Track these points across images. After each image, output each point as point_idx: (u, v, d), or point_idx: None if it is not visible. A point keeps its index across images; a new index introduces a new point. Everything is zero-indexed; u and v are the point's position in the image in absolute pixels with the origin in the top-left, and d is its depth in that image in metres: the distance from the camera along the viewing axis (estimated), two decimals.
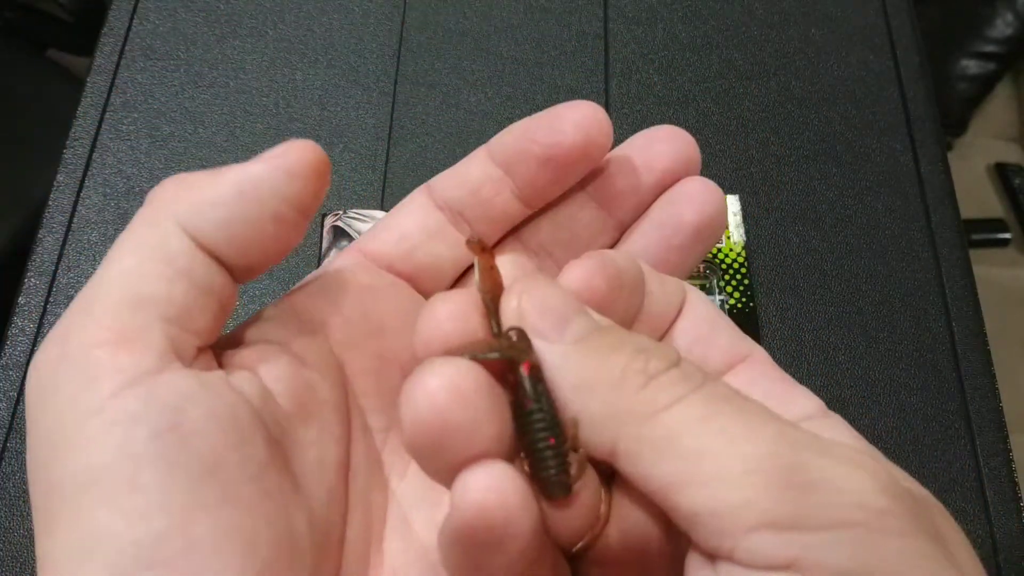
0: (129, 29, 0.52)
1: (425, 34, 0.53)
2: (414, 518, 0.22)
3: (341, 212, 0.46)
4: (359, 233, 0.45)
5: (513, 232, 0.25)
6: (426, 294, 0.24)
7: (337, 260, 0.24)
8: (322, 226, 0.46)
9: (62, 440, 0.17)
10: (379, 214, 0.46)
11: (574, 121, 0.22)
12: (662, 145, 0.24)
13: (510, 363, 0.18)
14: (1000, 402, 0.43)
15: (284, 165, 0.19)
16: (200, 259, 0.19)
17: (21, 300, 0.45)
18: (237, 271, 0.20)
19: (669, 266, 0.24)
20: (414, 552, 0.22)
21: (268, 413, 0.19)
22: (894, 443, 0.42)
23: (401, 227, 0.24)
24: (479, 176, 0.24)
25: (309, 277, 0.24)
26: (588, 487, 0.18)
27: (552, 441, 0.17)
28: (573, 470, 0.18)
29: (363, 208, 0.46)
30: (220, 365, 0.20)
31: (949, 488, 0.41)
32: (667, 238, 0.24)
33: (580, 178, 0.24)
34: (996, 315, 0.55)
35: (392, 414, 0.23)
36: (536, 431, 0.18)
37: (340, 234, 0.45)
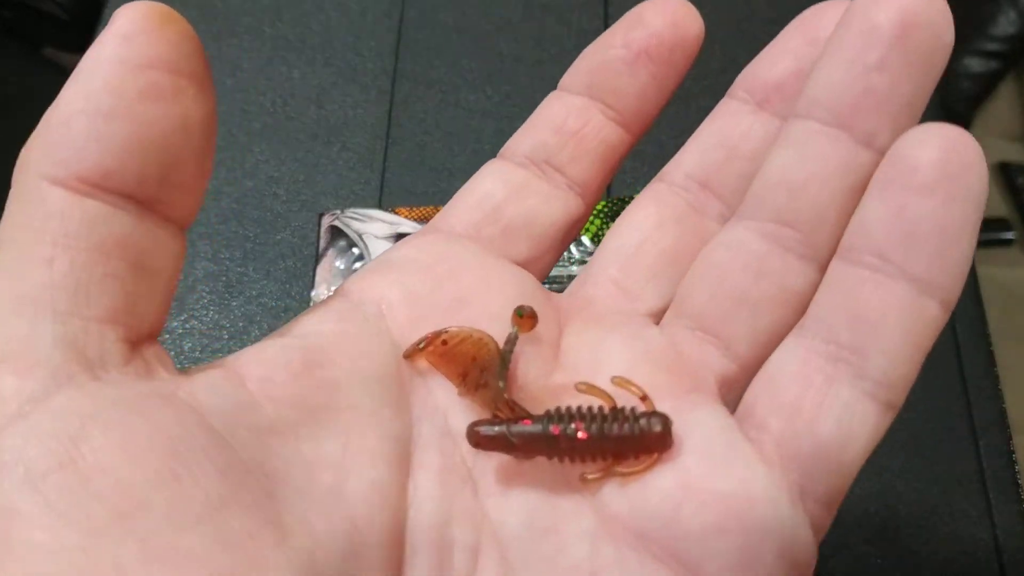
0: None
1: (423, 32, 0.52)
2: (519, 560, 0.17)
3: (339, 212, 0.45)
4: (357, 233, 0.44)
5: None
6: (522, 260, 0.20)
7: (404, 240, 0.20)
8: (319, 226, 0.45)
9: None
10: (377, 213, 0.45)
11: (654, 10, 0.19)
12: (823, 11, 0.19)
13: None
14: (1003, 403, 0.43)
15: (116, 34, 0.15)
16: (85, 210, 0.14)
17: None
18: (159, 202, 0.15)
19: (877, 96, 0.17)
20: None
21: (241, 427, 0.15)
22: (896, 443, 0.41)
23: (479, 189, 0.20)
24: (557, 111, 0.20)
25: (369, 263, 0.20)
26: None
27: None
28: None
29: (361, 207, 0.46)
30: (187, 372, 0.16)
31: (952, 489, 0.41)
32: (856, 59, 0.17)
33: (680, 76, 0.20)
34: (999, 315, 0.54)
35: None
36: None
37: (337, 234, 0.45)
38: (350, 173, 0.48)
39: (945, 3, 0.17)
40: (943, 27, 0.17)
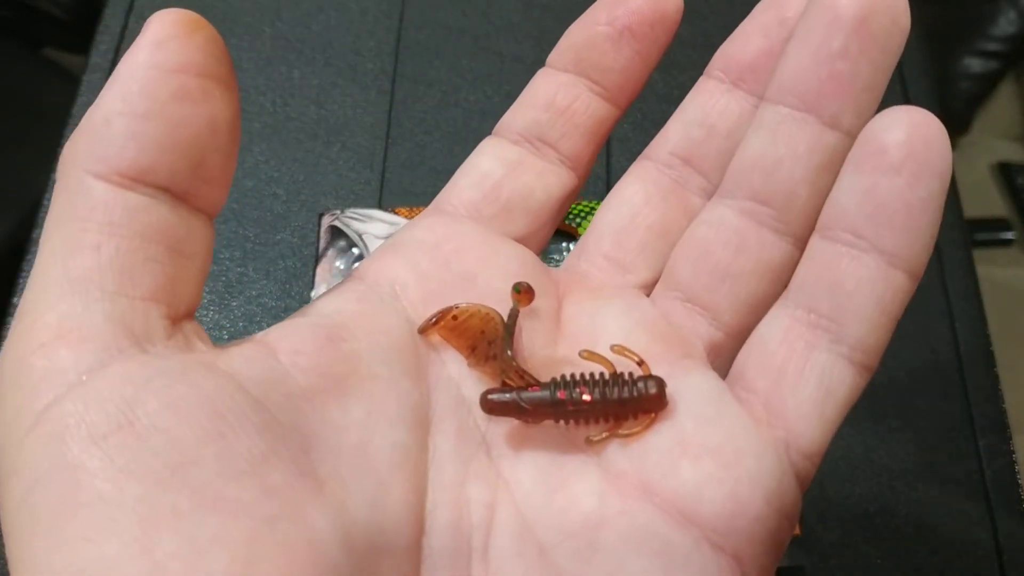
0: (125, 27, 0.52)
1: (423, 32, 0.52)
2: (533, 513, 0.18)
3: (338, 212, 0.45)
4: (357, 233, 0.44)
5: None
6: (520, 235, 0.21)
7: (411, 223, 0.22)
8: (319, 226, 0.45)
9: (4, 474, 0.15)
10: (377, 213, 0.45)
11: None
12: None
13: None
14: (1003, 403, 0.43)
15: (150, 40, 0.16)
16: (126, 201, 0.16)
17: (16, 300, 0.44)
18: (190, 194, 0.17)
19: (841, 81, 0.18)
20: (533, 556, 0.18)
21: (276, 393, 0.16)
22: (896, 443, 0.41)
23: (478, 168, 0.22)
24: (547, 89, 0.22)
25: (379, 246, 0.21)
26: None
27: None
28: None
29: (361, 207, 0.46)
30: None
31: (952, 490, 0.41)
32: (821, 45, 0.18)
33: (662, 50, 0.21)
34: (999, 315, 0.54)
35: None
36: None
37: (337, 234, 0.45)
38: (350, 173, 0.48)
39: None
40: (900, 12, 0.18)
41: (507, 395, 0.18)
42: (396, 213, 0.45)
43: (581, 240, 0.22)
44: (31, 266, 0.44)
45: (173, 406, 0.15)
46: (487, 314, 0.19)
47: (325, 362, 0.17)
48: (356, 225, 0.45)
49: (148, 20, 0.16)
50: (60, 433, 0.14)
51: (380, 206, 0.47)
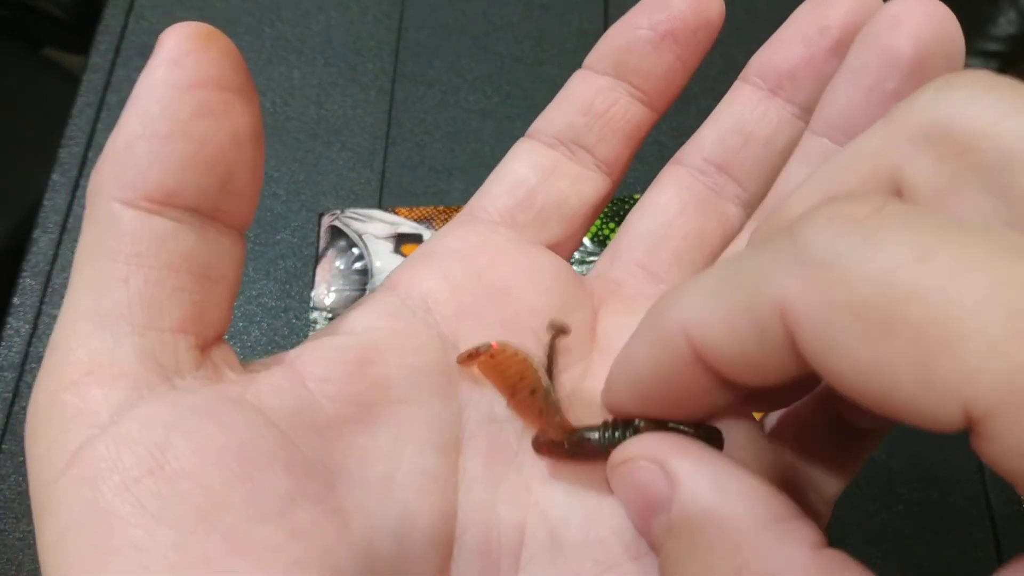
0: (125, 27, 0.52)
1: (423, 32, 0.52)
2: (564, 533, 0.18)
3: (338, 212, 0.45)
4: (357, 233, 0.44)
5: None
6: (554, 241, 0.21)
7: (444, 230, 0.21)
8: (319, 226, 0.45)
9: (38, 510, 0.15)
10: (377, 214, 0.45)
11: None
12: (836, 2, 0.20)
13: None
14: None
15: (166, 58, 0.16)
16: (153, 228, 0.16)
17: (16, 300, 0.44)
18: (219, 211, 0.16)
19: None
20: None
21: (303, 425, 0.16)
22: (897, 444, 0.41)
23: (512, 174, 0.21)
24: (585, 92, 0.21)
25: (413, 253, 0.21)
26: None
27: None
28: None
29: (361, 207, 0.46)
30: (246, 368, 0.17)
31: (951, 490, 0.41)
32: (875, 86, 0.18)
33: (702, 55, 0.21)
34: None
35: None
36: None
37: (337, 234, 0.45)
38: (350, 173, 0.48)
39: (958, 28, 0.18)
40: (955, 53, 0.18)
41: (560, 443, 0.18)
42: (396, 213, 0.45)
43: (612, 245, 0.22)
44: (31, 266, 0.45)
45: (202, 449, 0.15)
46: (525, 360, 0.18)
47: (354, 389, 0.17)
48: (356, 225, 0.45)
49: (161, 36, 0.16)
50: (93, 478, 0.14)
51: (380, 206, 0.47)
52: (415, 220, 0.45)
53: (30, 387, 0.42)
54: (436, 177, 0.47)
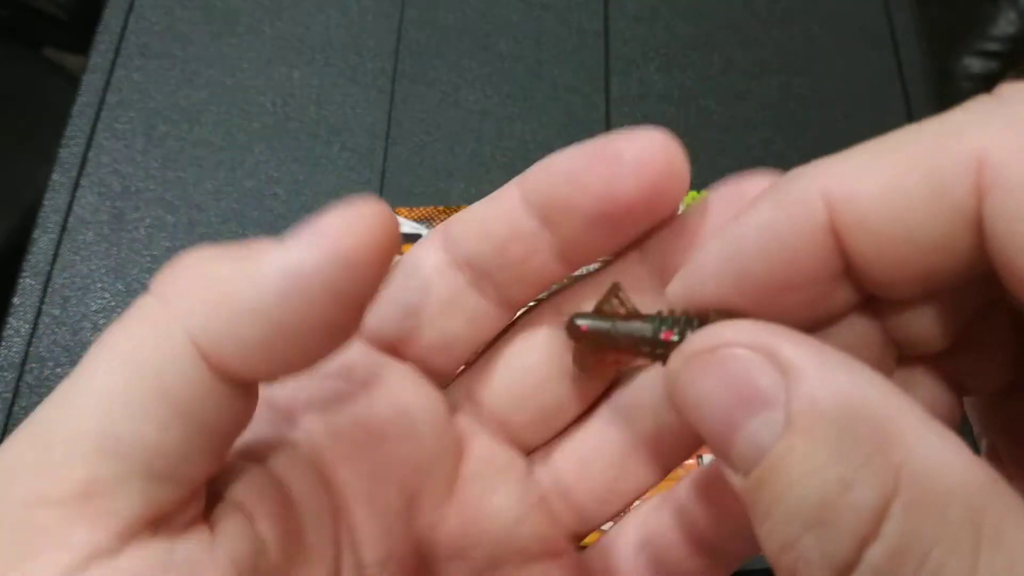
0: (125, 27, 0.52)
1: (423, 32, 0.52)
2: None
3: None
4: None
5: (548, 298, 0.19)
6: (438, 373, 0.19)
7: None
8: None
9: None
10: None
11: (637, 162, 0.16)
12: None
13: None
14: None
15: (343, 251, 0.14)
16: (215, 391, 0.14)
17: (16, 300, 0.44)
18: (260, 383, 0.15)
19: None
20: None
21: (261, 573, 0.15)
22: None
23: (407, 300, 0.18)
24: (507, 231, 0.18)
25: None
26: None
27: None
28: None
29: None
30: (209, 504, 0.16)
31: None
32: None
33: (644, 233, 0.18)
34: None
35: (389, 543, 0.18)
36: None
37: None
38: (350, 173, 0.48)
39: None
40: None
41: (602, 322, 0.16)
42: (396, 213, 0.45)
43: (476, 387, 0.20)
44: (31, 266, 0.45)
45: None
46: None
47: (287, 532, 0.16)
48: None
49: (345, 210, 0.14)
50: None
51: None
52: (415, 220, 0.45)
53: (30, 387, 0.42)
54: (436, 177, 0.47)
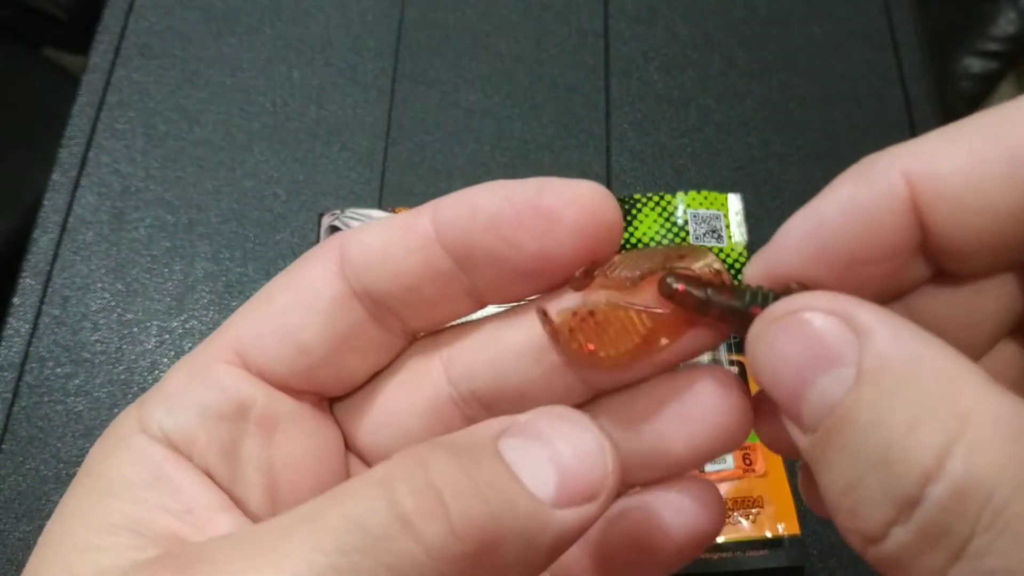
0: (125, 27, 0.52)
1: (423, 32, 0.52)
2: None
3: (338, 212, 0.45)
4: None
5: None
6: (335, 396, 0.19)
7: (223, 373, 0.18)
8: (319, 226, 0.45)
9: None
10: (377, 213, 0.45)
11: (574, 222, 0.16)
12: None
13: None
14: None
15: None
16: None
17: (16, 300, 0.44)
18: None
19: None
20: None
21: None
22: None
23: (299, 336, 0.17)
24: (420, 272, 0.17)
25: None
26: None
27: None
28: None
29: (361, 207, 0.46)
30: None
31: None
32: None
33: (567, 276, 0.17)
34: None
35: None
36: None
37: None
38: (350, 173, 0.48)
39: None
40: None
41: (699, 289, 0.16)
42: (396, 213, 0.45)
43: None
44: (31, 266, 0.45)
45: None
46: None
47: None
48: (356, 225, 0.45)
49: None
50: None
51: (380, 206, 0.47)
52: None
53: (30, 387, 0.42)
54: (436, 177, 0.47)
